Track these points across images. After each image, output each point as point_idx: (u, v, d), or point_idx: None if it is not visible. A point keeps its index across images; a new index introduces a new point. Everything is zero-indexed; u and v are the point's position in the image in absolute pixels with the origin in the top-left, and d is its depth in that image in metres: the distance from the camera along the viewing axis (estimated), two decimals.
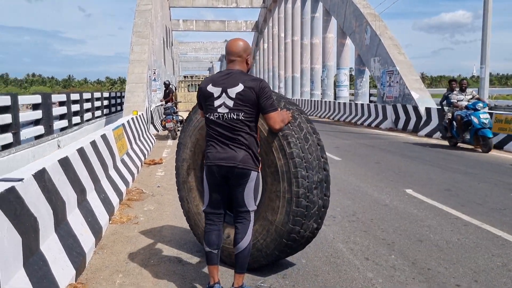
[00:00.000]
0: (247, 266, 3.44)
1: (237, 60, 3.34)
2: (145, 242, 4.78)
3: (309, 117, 3.97)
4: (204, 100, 3.32)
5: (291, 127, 3.63)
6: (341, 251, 4.41)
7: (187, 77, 21.51)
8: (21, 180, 3.48)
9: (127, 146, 8.98)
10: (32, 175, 3.72)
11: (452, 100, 11.50)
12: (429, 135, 14.48)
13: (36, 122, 11.85)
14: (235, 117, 3.19)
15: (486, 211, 5.68)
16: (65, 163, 4.63)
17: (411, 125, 16.41)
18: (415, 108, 16.30)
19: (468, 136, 11.09)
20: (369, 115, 19.77)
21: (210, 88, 3.28)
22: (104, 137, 6.94)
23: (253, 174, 3.28)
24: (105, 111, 21.12)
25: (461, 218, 5.40)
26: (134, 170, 8.42)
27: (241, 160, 3.21)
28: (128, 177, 7.62)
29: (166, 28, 34.72)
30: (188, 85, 20.09)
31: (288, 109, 3.77)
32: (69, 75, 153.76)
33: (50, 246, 3.72)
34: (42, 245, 3.58)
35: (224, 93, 3.22)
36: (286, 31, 38.54)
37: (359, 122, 20.39)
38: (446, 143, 12.91)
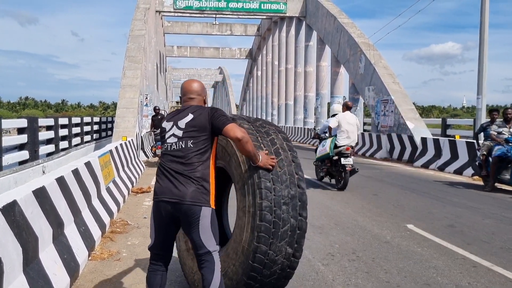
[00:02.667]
0: None
1: (196, 98, 3.33)
2: (127, 283, 4.34)
3: (291, 141, 3.83)
4: (161, 137, 3.29)
5: (261, 141, 3.48)
6: None
7: (180, 102, 21.19)
8: None
9: (114, 174, 8.57)
10: None
11: (491, 132, 9.80)
12: (425, 166, 14.18)
13: (21, 147, 11.41)
14: (183, 145, 3.10)
15: (495, 251, 5.31)
16: (40, 194, 4.23)
17: (406, 155, 16.15)
18: (411, 138, 16.06)
19: (508, 176, 9.34)
20: (364, 144, 19.51)
21: (164, 124, 3.30)
22: (88, 164, 6.54)
23: (206, 211, 3.03)
24: (95, 136, 20.70)
25: (469, 258, 5.02)
26: (120, 199, 7.99)
27: (190, 195, 2.99)
28: (113, 207, 7.19)
29: (160, 53, 34.71)
30: None
31: (263, 127, 3.65)
32: (63, 100, 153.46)
33: None
34: None
35: (174, 126, 3.20)
36: (280, 59, 38.69)
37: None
38: (442, 174, 12.64)
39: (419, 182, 10.99)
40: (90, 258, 4.99)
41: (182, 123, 3.16)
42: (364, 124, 25.09)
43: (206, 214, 3.02)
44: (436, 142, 14.15)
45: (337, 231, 6.19)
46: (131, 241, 5.81)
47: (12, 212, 3.52)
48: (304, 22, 30.27)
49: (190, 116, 3.16)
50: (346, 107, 9.80)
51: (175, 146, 3.12)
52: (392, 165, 15.07)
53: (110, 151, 8.86)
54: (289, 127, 33.41)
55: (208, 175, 3.10)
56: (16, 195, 3.76)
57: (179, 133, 3.14)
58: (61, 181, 5.00)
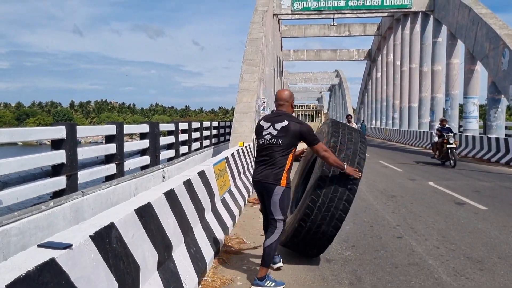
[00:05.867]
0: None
1: (285, 104, 4.48)
2: None
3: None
4: (257, 132, 4.47)
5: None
6: None
7: (297, 106, 20.39)
8: (68, 247, 2.45)
9: (229, 183, 7.99)
10: (90, 236, 2.71)
11: None
12: None
13: (142, 152, 11.48)
14: (274, 142, 4.27)
15: None
16: (145, 212, 3.62)
17: None
18: None
19: None
20: (507, 152, 16.87)
21: (262, 122, 4.47)
22: (202, 174, 5.96)
23: (278, 189, 4.23)
24: (213, 140, 20.81)
25: None
26: (236, 211, 7.35)
27: (271, 177, 4.24)
28: (228, 222, 6.54)
29: (277, 57, 34.51)
30: (298, 115, 18.95)
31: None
32: (186, 105, 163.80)
33: None
34: None
35: (271, 126, 4.33)
36: (403, 59, 36.14)
37: (493, 159, 17.52)
38: None
39: None
40: (200, 286, 4.30)
41: (278, 126, 4.30)
42: (506, 128, 22.01)
43: (278, 192, 4.23)
44: None
45: (505, 268, 4.77)
46: (247, 265, 5.04)
47: (108, 239, 2.91)
48: (431, 16, 27.75)
49: (285, 123, 4.30)
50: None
51: (269, 141, 4.29)
52: None
53: (226, 158, 8.31)
54: (413, 131, 30.85)
55: (284, 164, 4.25)
56: (114, 216, 3.17)
57: (274, 132, 4.29)
58: (170, 195, 4.40)
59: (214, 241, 5.40)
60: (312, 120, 18.76)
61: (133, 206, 3.55)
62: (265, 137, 4.30)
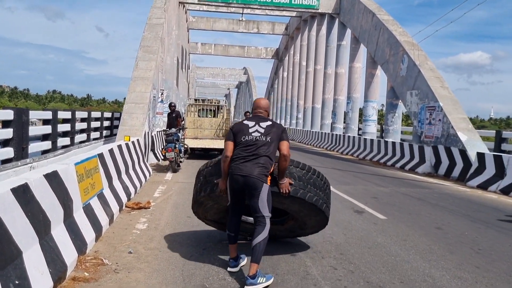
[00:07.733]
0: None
1: (262, 112, 4.86)
2: None
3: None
4: (239, 130, 4.65)
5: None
6: None
7: (199, 100, 19.01)
8: None
9: (101, 185, 6.65)
10: None
11: None
12: (483, 186, 11.88)
13: (4, 143, 9.62)
14: (264, 139, 4.52)
15: None
16: None
17: (456, 172, 13.82)
18: (463, 152, 13.73)
19: None
20: (402, 156, 17.21)
21: (246, 122, 4.75)
22: (52, 176, 4.61)
23: (265, 187, 4.39)
24: (105, 133, 18.92)
25: None
26: (105, 221, 6.04)
27: (256, 172, 4.35)
28: (89, 236, 5.24)
29: (182, 48, 32.96)
30: (199, 110, 17.61)
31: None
32: (88, 94, 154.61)
33: None
34: None
35: (257, 125, 4.65)
36: (309, 60, 36.50)
37: (389, 163, 17.82)
38: (508, 198, 10.32)
39: (488, 211, 8.74)
40: None
41: (263, 124, 4.66)
42: (402, 132, 22.76)
43: (265, 190, 4.40)
44: (498, 159, 11.82)
45: None
46: None
47: None
48: (337, 19, 28.07)
49: (269, 122, 4.71)
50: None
51: (258, 138, 4.54)
52: (441, 183, 12.80)
53: (99, 155, 6.93)
54: (316, 132, 31.20)
55: (269, 165, 4.49)
56: None
57: (262, 130, 4.60)
58: None
59: (57, 266, 4.10)
60: (214, 116, 17.59)
61: None
62: (252, 134, 4.54)
